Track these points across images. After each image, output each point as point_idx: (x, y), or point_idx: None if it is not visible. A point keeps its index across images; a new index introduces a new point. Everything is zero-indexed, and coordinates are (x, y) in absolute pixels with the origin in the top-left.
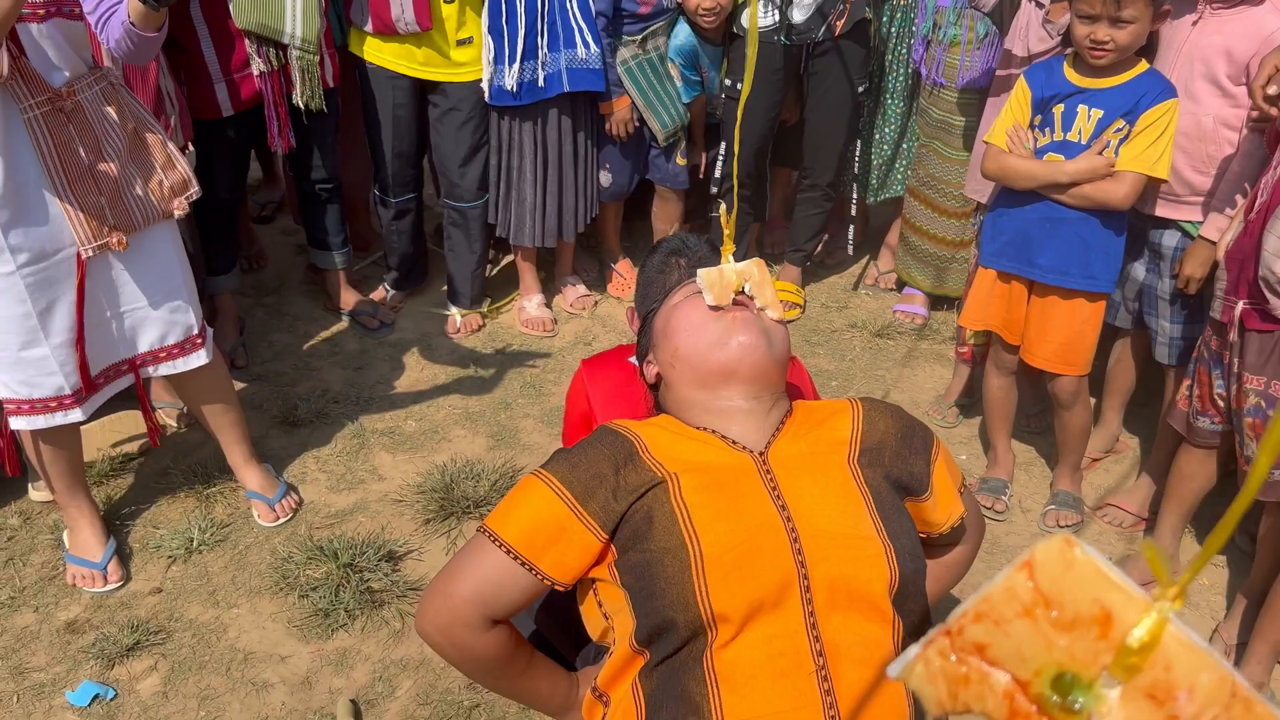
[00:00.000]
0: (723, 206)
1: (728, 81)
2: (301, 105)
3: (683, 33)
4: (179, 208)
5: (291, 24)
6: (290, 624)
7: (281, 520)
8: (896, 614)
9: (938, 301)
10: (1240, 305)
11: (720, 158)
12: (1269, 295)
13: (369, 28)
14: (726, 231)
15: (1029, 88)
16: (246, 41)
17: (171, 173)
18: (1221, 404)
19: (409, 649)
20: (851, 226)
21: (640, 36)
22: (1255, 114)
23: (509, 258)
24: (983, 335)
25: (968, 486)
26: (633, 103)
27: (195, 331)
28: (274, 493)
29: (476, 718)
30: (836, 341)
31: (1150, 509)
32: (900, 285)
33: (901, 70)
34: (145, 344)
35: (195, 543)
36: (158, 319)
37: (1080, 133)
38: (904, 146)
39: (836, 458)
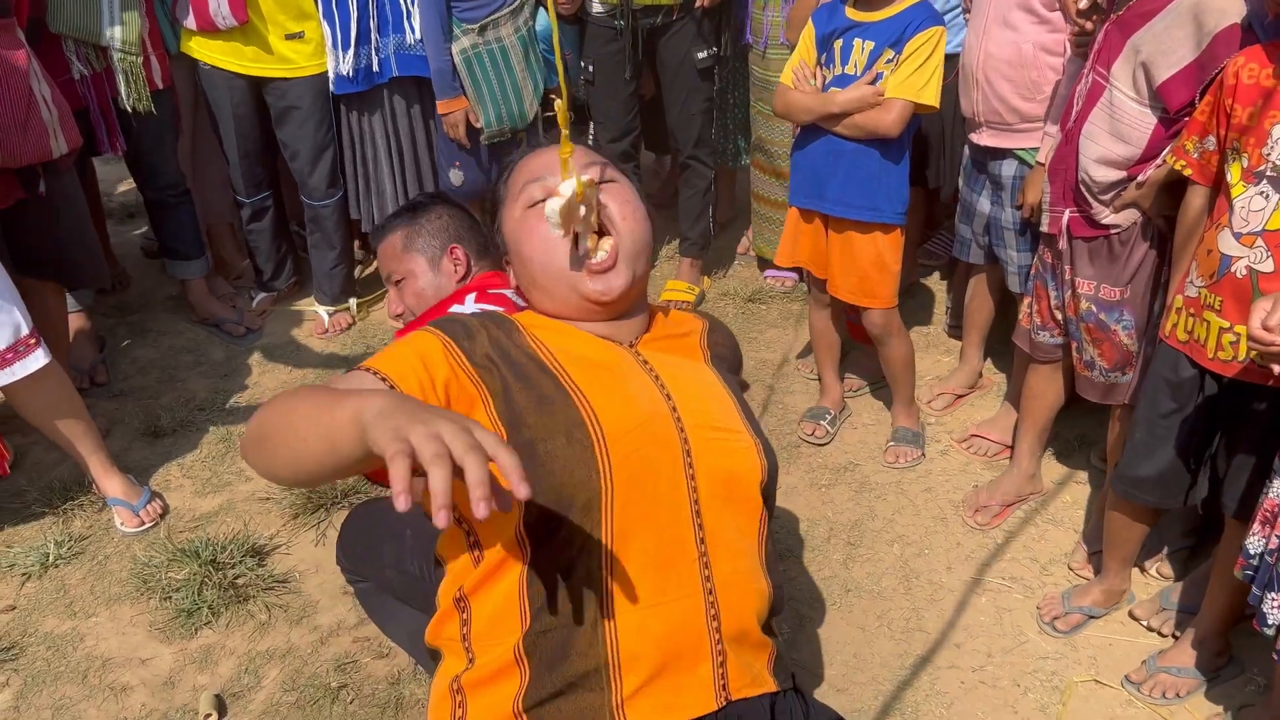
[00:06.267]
0: (559, 102)
1: (582, 64)
2: (129, 108)
3: (543, 17)
4: None
5: (109, 26)
6: (152, 626)
7: (147, 525)
8: (764, 505)
9: None
10: (1067, 214)
11: (592, 138)
12: (1091, 200)
13: (192, 24)
14: (564, 131)
15: (813, 26)
16: (64, 45)
17: None
18: (1059, 316)
19: (275, 640)
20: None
21: (479, 25)
22: (1073, 32)
23: None
24: None
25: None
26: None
27: (26, 332)
28: (138, 499)
29: (344, 698)
30: (710, 309)
31: (1014, 436)
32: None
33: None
34: None
35: (52, 557)
36: None
37: (855, 65)
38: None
39: (698, 360)
